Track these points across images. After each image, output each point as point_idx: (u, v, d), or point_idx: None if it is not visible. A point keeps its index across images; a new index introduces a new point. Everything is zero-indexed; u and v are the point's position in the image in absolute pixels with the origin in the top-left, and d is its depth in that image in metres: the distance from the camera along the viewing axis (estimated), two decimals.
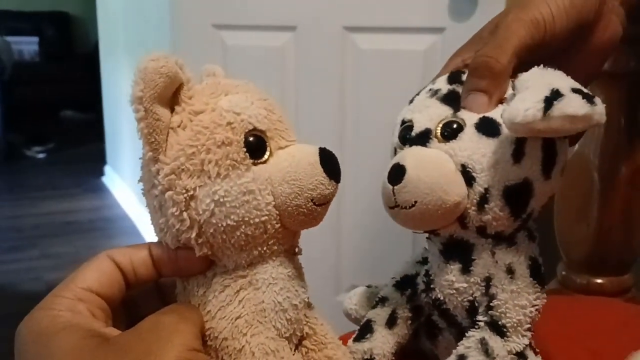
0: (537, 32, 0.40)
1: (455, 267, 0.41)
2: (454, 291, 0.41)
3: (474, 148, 0.38)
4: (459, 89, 0.40)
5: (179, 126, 0.34)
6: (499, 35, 0.40)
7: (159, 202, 0.34)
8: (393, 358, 0.46)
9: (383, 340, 0.45)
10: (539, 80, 0.36)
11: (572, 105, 0.33)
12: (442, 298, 0.42)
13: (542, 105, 0.33)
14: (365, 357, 0.45)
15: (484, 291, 0.40)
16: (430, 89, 0.42)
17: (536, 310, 0.39)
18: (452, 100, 0.40)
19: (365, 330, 0.47)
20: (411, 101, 0.44)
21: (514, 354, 0.39)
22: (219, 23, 1.40)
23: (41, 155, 4.01)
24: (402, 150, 0.41)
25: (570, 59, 0.45)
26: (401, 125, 0.43)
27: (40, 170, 3.75)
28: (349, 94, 1.31)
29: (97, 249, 0.36)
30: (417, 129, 0.40)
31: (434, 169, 0.38)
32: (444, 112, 0.40)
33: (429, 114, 0.40)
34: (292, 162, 0.35)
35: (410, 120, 0.41)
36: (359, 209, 1.34)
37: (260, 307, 0.35)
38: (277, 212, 0.35)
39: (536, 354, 0.41)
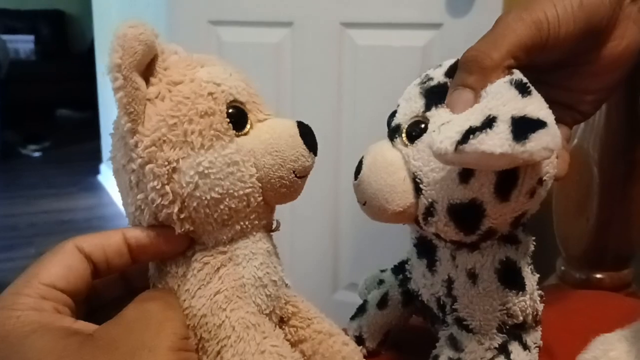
0: (539, 33, 0.37)
1: (424, 263, 0.41)
2: (424, 285, 0.42)
3: (425, 160, 0.36)
4: (450, 83, 0.38)
5: (156, 97, 0.33)
6: (495, 32, 0.38)
7: (137, 177, 0.33)
8: (382, 337, 0.47)
9: (372, 320, 0.47)
10: (485, 102, 0.33)
11: (489, 142, 0.30)
12: (417, 290, 0.43)
13: (457, 139, 0.31)
14: (356, 334, 0.47)
15: (446, 292, 0.40)
16: (426, 75, 0.40)
17: (507, 312, 0.38)
18: (432, 94, 0.38)
19: (360, 310, 0.48)
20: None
21: (492, 348, 0.39)
22: (215, 19, 1.39)
23: (37, 154, 3.99)
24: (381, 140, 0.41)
25: (580, 70, 0.42)
26: None
27: (35, 168, 3.74)
28: (346, 90, 1.31)
29: None
30: (395, 121, 0.40)
31: (382, 176, 0.37)
32: (417, 108, 0.38)
33: (406, 107, 0.39)
34: (273, 134, 0.35)
35: (397, 107, 0.41)
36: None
37: (240, 282, 0.35)
38: (260, 185, 0.35)
39: (535, 347, 0.40)
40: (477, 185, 0.35)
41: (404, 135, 0.38)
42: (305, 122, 0.37)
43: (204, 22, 1.40)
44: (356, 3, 1.27)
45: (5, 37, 4.56)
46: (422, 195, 0.37)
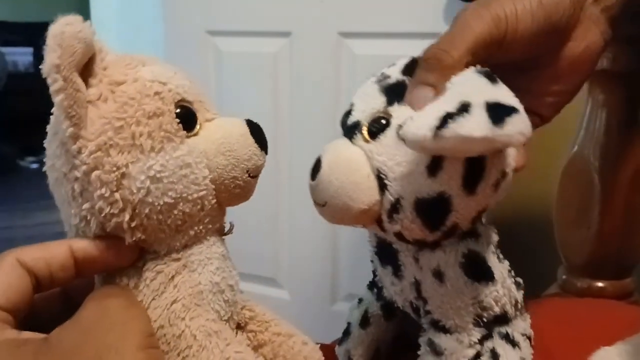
0: (497, 29, 0.37)
1: (389, 270, 0.40)
2: (395, 292, 0.41)
3: (390, 154, 0.35)
4: (409, 81, 0.38)
5: (98, 99, 0.31)
6: (454, 29, 0.37)
7: (82, 185, 0.31)
8: (372, 354, 0.46)
9: (358, 341, 0.46)
10: (456, 89, 0.33)
11: (468, 126, 0.29)
12: (390, 298, 0.42)
13: (435, 124, 0.30)
14: (345, 359, 0.46)
15: (416, 295, 0.39)
16: (382, 73, 0.39)
17: (480, 305, 0.37)
18: (392, 91, 0.37)
19: (345, 334, 0.47)
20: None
21: (473, 343, 0.38)
22: (212, 29, 1.40)
23: (34, 166, 3.99)
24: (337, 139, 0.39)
25: (540, 73, 0.42)
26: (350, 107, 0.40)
27: (33, 180, 3.72)
28: (344, 100, 1.30)
29: None
30: (351, 119, 0.38)
31: (345, 173, 0.36)
32: (378, 104, 0.37)
33: (365, 105, 0.38)
34: (224, 134, 0.34)
35: (352, 105, 0.39)
36: None
37: (197, 289, 0.34)
38: (214, 187, 0.34)
39: (524, 338, 0.40)
40: (445, 178, 0.34)
41: (364, 131, 0.37)
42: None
43: (202, 32, 1.40)
44: (354, 13, 1.27)
45: (3, 49, 4.57)
46: (387, 192, 0.35)
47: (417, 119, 0.31)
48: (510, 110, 0.30)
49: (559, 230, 0.74)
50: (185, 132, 0.33)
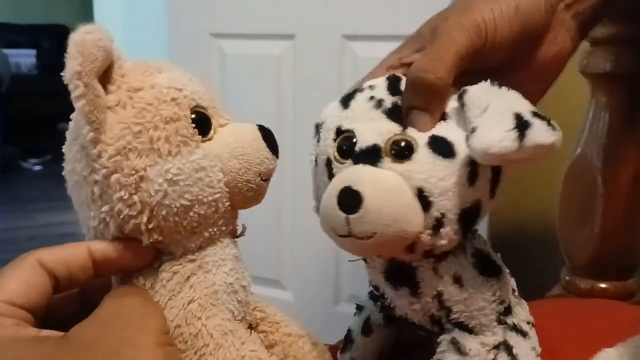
0: (478, 39, 0.37)
1: (404, 291, 0.40)
2: (412, 311, 0.41)
3: (430, 171, 0.35)
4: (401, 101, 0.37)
5: (117, 105, 0.32)
6: (437, 44, 0.36)
7: (101, 188, 0.32)
8: (376, 358, 0.46)
9: (362, 350, 0.46)
10: (499, 103, 0.34)
11: (542, 134, 0.32)
12: (405, 316, 0.42)
13: (516, 136, 0.32)
14: None
15: (438, 307, 0.39)
16: (372, 97, 0.38)
17: (499, 300, 0.38)
18: (398, 115, 0.37)
19: (347, 341, 0.47)
20: (345, 104, 0.39)
21: (494, 346, 0.38)
22: (217, 32, 1.40)
23: (37, 168, 4.00)
24: (343, 165, 0.37)
25: (514, 75, 0.41)
26: (336, 134, 0.38)
27: (36, 182, 3.74)
28: None
29: None
30: (362, 143, 0.36)
31: (395, 198, 0.34)
32: (393, 128, 0.36)
33: (377, 129, 0.36)
34: (237, 139, 0.35)
35: (351, 131, 0.37)
36: None
37: (212, 289, 0.34)
38: (227, 190, 0.34)
39: (529, 325, 0.40)
40: (480, 185, 0.35)
41: (389, 154, 0.36)
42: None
43: (206, 34, 1.41)
44: (357, 15, 1.28)
45: (6, 51, 4.58)
46: (431, 209, 0.35)
47: (492, 133, 0.33)
48: (545, 117, 0.33)
49: (562, 231, 0.74)
50: (200, 136, 0.34)
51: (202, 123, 0.34)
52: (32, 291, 0.30)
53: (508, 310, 0.39)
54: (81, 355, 0.27)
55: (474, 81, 0.35)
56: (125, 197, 0.31)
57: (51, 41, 5.32)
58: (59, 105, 4.25)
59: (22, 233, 2.83)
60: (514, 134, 0.32)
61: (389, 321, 0.46)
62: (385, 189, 0.34)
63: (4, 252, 2.57)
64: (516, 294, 0.41)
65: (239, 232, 0.38)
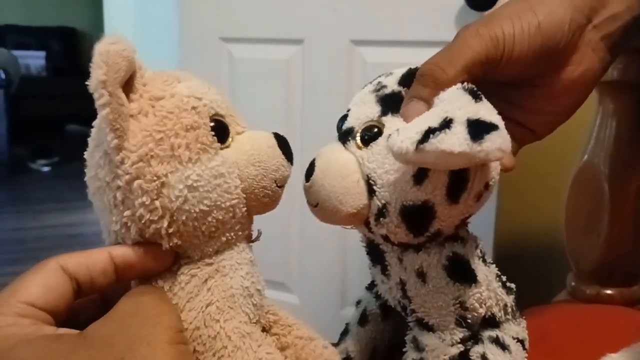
0: (495, 50, 0.38)
1: (378, 269, 0.42)
2: (385, 291, 0.43)
3: (380, 162, 0.37)
4: (405, 93, 0.39)
5: (139, 113, 0.33)
6: (453, 46, 0.38)
7: (123, 194, 0.33)
8: (369, 353, 0.47)
9: (357, 338, 0.47)
10: (441, 106, 0.34)
11: (448, 141, 0.31)
12: (383, 296, 0.44)
13: (418, 138, 0.32)
14: (343, 356, 0.47)
15: (402, 294, 0.41)
16: (379, 82, 0.41)
17: (461, 306, 0.39)
18: (388, 102, 0.39)
19: (343, 333, 0.49)
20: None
21: (456, 342, 0.39)
22: (226, 36, 1.41)
23: (46, 169, 4.02)
24: (331, 143, 0.41)
25: (535, 91, 0.42)
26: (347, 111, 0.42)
27: (44, 183, 3.76)
28: None
29: None
30: (346, 124, 0.40)
31: (336, 178, 0.38)
32: (372, 113, 0.39)
33: (360, 112, 0.40)
34: (253, 146, 0.36)
35: (348, 111, 0.41)
36: None
37: (230, 292, 0.35)
38: (244, 196, 0.36)
39: (516, 342, 0.40)
40: (430, 187, 0.36)
41: (357, 138, 0.39)
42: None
43: (216, 38, 1.41)
44: (366, 21, 1.28)
45: (16, 52, 4.61)
46: (375, 197, 0.37)
47: (402, 132, 0.33)
48: (490, 127, 0.32)
49: (569, 237, 0.74)
50: (219, 144, 0.35)
51: (221, 131, 0.35)
52: (53, 294, 0.31)
53: (493, 323, 0.40)
54: (95, 351, 0.28)
55: (494, 92, 0.36)
56: (147, 203, 0.32)
57: (61, 43, 5.36)
58: (68, 107, 4.26)
59: (30, 233, 2.85)
60: (417, 136, 0.32)
61: (385, 314, 0.47)
62: (331, 168, 0.38)
63: (12, 252, 2.58)
64: (512, 310, 0.41)
65: (254, 237, 0.39)
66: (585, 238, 0.71)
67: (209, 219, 0.34)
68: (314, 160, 0.39)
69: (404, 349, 0.42)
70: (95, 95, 0.31)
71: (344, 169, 0.38)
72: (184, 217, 0.33)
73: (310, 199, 0.40)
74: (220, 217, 0.35)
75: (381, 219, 0.37)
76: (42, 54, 5.15)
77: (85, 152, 0.35)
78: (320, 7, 1.30)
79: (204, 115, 0.34)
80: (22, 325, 0.29)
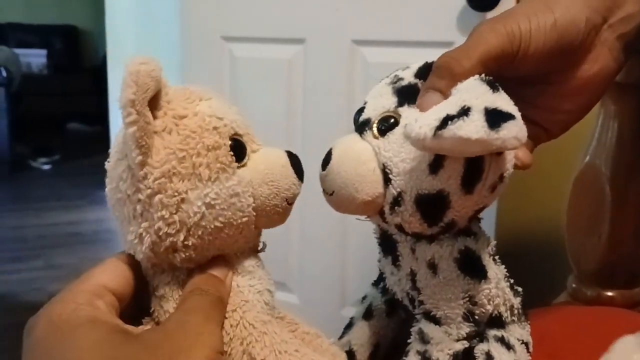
0: (510, 45, 0.38)
1: (389, 260, 0.43)
2: (393, 283, 0.43)
3: (396, 151, 0.38)
4: (421, 85, 0.39)
5: (163, 130, 0.34)
6: (469, 40, 0.39)
7: (143, 206, 0.34)
8: (372, 348, 0.47)
9: (360, 332, 0.47)
10: (459, 95, 0.35)
11: (466, 128, 0.32)
12: (391, 289, 0.44)
13: (436, 125, 0.32)
14: (346, 349, 0.47)
15: (411, 285, 0.41)
16: (395, 76, 0.42)
17: (470, 300, 0.39)
18: (404, 93, 0.39)
19: (347, 327, 0.49)
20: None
21: (464, 338, 0.40)
22: (227, 35, 1.41)
23: (47, 167, 4.03)
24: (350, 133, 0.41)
25: (550, 89, 0.43)
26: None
27: (45, 181, 3.76)
28: (356, 107, 1.31)
29: (101, 260, 0.37)
30: (363, 116, 0.41)
31: (352, 166, 0.38)
32: (389, 104, 0.39)
33: (376, 103, 0.40)
34: (267, 165, 0.38)
35: (365, 104, 0.42)
36: (365, 223, 1.34)
37: (238, 290, 0.37)
38: (255, 213, 0.37)
39: (521, 343, 0.40)
40: (445, 176, 0.36)
41: (374, 128, 0.39)
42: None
43: (217, 37, 1.41)
44: (368, 21, 1.28)
45: (18, 51, 4.62)
46: (390, 185, 0.38)
47: (420, 119, 0.34)
48: (507, 117, 0.32)
49: (570, 238, 0.74)
50: (236, 163, 0.36)
51: (239, 150, 0.37)
52: (121, 279, 0.35)
53: (499, 323, 0.40)
54: (142, 353, 0.31)
55: (509, 89, 0.36)
56: (166, 216, 0.34)
57: (62, 42, 5.37)
58: (69, 105, 4.28)
59: (31, 232, 2.85)
60: (435, 122, 0.33)
61: (390, 310, 0.47)
62: (348, 156, 0.39)
63: (14, 250, 2.59)
64: (517, 312, 0.41)
65: (260, 247, 0.41)
66: (586, 239, 0.71)
67: (222, 234, 0.36)
68: (331, 149, 0.40)
69: (409, 340, 0.42)
70: (124, 113, 0.33)
71: (360, 157, 0.39)
72: (199, 232, 0.35)
73: (326, 187, 0.40)
74: (231, 233, 0.36)
75: (396, 207, 0.38)
76: (44, 52, 5.16)
77: (105, 163, 0.37)
78: (322, 7, 1.30)
79: (225, 136, 0.36)
80: (96, 307, 0.33)
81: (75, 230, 2.88)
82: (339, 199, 0.39)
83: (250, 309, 0.36)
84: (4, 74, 3.82)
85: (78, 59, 5.53)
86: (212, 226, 0.35)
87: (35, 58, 5.09)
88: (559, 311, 0.52)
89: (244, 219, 0.36)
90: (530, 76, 0.41)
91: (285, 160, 0.39)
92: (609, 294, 0.70)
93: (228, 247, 0.37)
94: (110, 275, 0.35)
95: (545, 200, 1.08)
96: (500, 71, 0.38)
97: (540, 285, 0.74)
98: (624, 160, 0.66)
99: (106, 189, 0.37)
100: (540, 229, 1.12)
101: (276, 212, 0.38)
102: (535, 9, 0.40)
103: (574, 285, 0.74)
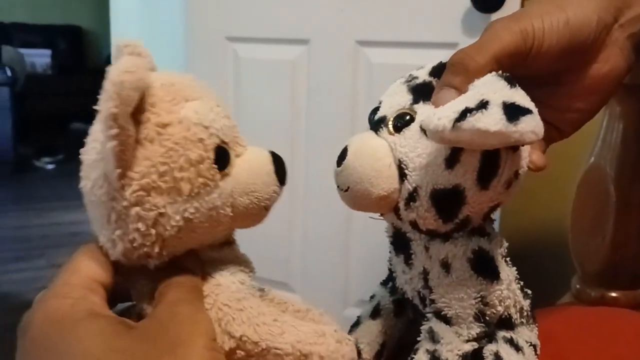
0: (524, 43, 0.39)
1: (401, 258, 0.43)
2: (404, 281, 0.43)
3: (412, 146, 0.38)
4: (436, 83, 0.40)
5: (144, 138, 0.32)
6: (483, 37, 0.39)
7: (118, 215, 0.33)
8: (378, 347, 0.47)
9: (367, 330, 0.48)
10: (477, 89, 0.35)
11: (485, 120, 0.32)
12: (401, 288, 0.44)
13: (455, 117, 0.33)
14: None
15: (423, 284, 0.41)
16: (410, 75, 0.42)
17: (482, 301, 0.39)
18: (419, 91, 0.40)
19: (354, 325, 0.49)
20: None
21: (473, 339, 0.40)
22: (232, 36, 1.41)
23: (50, 167, 4.03)
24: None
25: (562, 89, 0.43)
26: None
27: (49, 181, 3.77)
28: (360, 108, 1.31)
29: None
30: (378, 114, 0.41)
31: (368, 161, 0.39)
32: (404, 101, 0.40)
33: (392, 101, 0.41)
34: (249, 174, 0.37)
35: (380, 103, 0.42)
36: (368, 223, 1.34)
37: (209, 277, 0.37)
38: (231, 221, 0.37)
39: (529, 346, 0.40)
40: (461, 171, 0.36)
41: (390, 125, 0.40)
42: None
43: (222, 38, 1.42)
44: (372, 22, 1.28)
45: (22, 50, 4.63)
46: (406, 181, 0.38)
47: (439, 112, 0.34)
48: (525, 111, 0.33)
49: (574, 239, 0.74)
50: (219, 175, 0.35)
51: (223, 159, 0.36)
52: (104, 270, 0.35)
53: (508, 324, 0.40)
54: (146, 343, 0.31)
55: (522, 89, 0.36)
56: (142, 229, 0.33)
57: (66, 42, 5.38)
58: (73, 105, 4.27)
59: (34, 231, 2.86)
60: (454, 115, 0.33)
61: (398, 310, 0.47)
62: (364, 152, 0.39)
63: (17, 250, 2.59)
64: (526, 315, 0.41)
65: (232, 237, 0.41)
66: (591, 240, 0.71)
67: (197, 242, 0.36)
68: (346, 146, 0.40)
69: (418, 339, 0.42)
70: (104, 127, 0.31)
71: (376, 152, 0.39)
72: (174, 243, 0.34)
73: (341, 183, 0.40)
74: (205, 241, 0.36)
75: (411, 203, 0.38)
76: (48, 52, 5.16)
77: (81, 151, 0.36)
78: (326, 8, 1.30)
79: (209, 148, 0.34)
80: (90, 301, 0.33)
81: (78, 230, 2.88)
82: (354, 194, 0.40)
83: (223, 291, 0.36)
84: (9, 73, 3.82)
85: (82, 59, 5.53)
86: (189, 237, 0.35)
87: (39, 58, 5.10)
88: (562, 312, 0.52)
89: (220, 228, 0.36)
90: (542, 76, 0.42)
91: (270, 167, 0.38)
92: (613, 294, 0.70)
93: (201, 244, 0.37)
94: (96, 269, 0.35)
95: (549, 201, 1.08)
96: (513, 70, 0.39)
97: (544, 285, 0.74)
98: (629, 161, 0.66)
99: (81, 184, 0.35)
100: (544, 230, 1.12)
101: (253, 218, 0.38)
102: (548, 8, 0.40)
103: (577, 286, 0.73)
